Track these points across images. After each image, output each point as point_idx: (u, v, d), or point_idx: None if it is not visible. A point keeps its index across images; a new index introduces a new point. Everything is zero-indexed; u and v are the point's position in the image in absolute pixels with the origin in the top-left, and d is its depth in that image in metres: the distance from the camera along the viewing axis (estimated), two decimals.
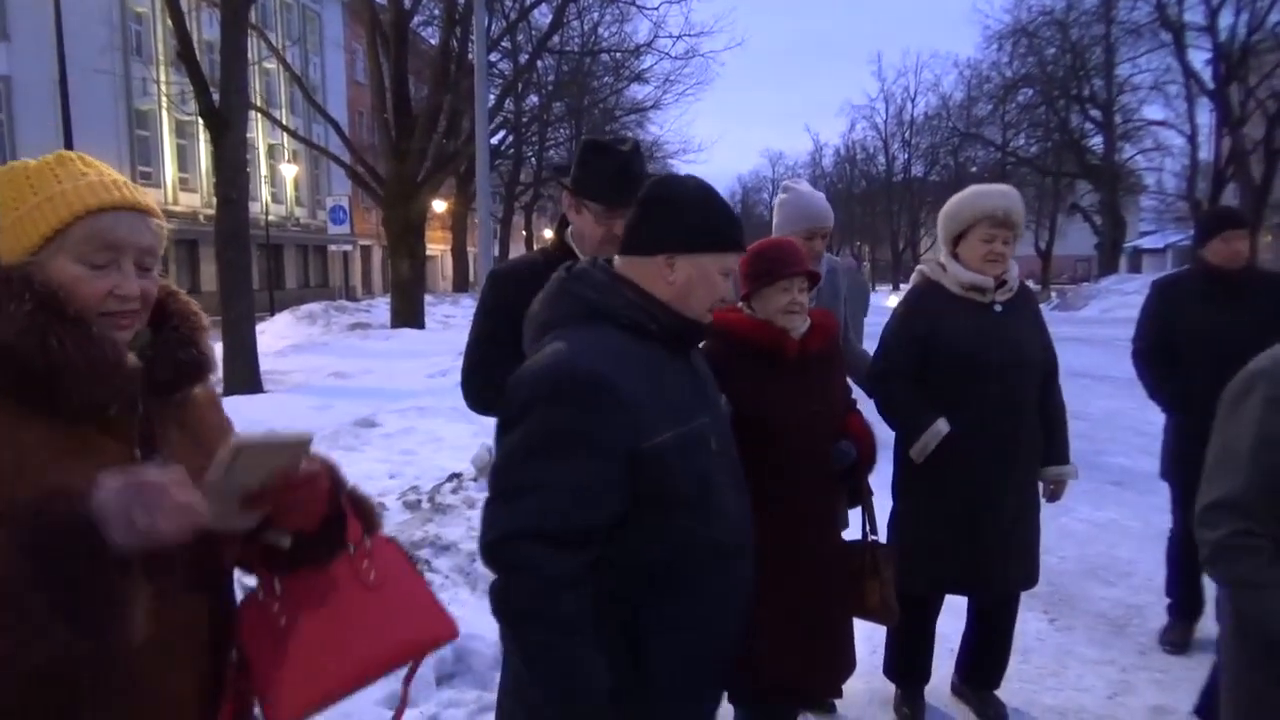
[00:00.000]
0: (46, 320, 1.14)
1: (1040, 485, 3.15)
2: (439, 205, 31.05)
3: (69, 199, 1.21)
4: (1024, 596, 4.33)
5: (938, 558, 2.99)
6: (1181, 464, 3.63)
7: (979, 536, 2.97)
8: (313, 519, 1.30)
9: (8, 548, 1.02)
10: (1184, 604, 3.89)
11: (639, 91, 32.21)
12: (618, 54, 29.44)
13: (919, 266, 3.25)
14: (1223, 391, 1.81)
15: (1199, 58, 31.26)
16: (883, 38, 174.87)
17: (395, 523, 4.31)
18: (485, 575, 4.09)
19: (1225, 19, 29.88)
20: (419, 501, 4.63)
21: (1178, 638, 3.82)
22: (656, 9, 26.10)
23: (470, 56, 17.72)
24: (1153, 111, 34.95)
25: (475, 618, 3.55)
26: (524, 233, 42.41)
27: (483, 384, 2.25)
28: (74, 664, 1.06)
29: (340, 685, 1.34)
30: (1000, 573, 3.06)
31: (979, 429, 2.91)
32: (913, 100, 57.95)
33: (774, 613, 2.23)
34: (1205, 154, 33.25)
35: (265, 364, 11.50)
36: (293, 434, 1.24)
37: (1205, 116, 32.46)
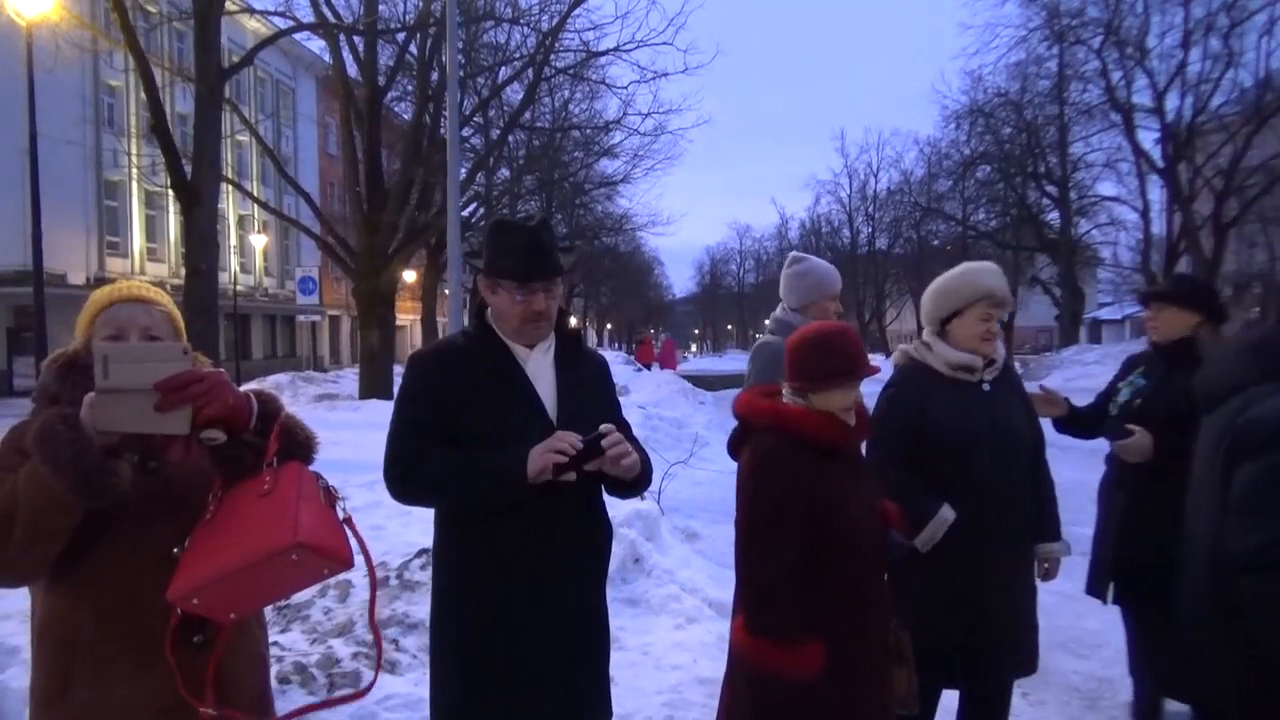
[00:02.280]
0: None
1: (1035, 564, 3.04)
2: (409, 276, 31.15)
3: (94, 299, 1.86)
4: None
5: (943, 647, 2.82)
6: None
7: (985, 622, 2.83)
8: (234, 416, 1.69)
9: (33, 451, 1.57)
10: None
11: (609, 166, 32.78)
12: (588, 130, 30.00)
13: (901, 347, 3.19)
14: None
15: (1148, 137, 32.51)
16: (845, 115, 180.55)
17: (361, 600, 4.23)
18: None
19: (1171, 102, 31.14)
20: (386, 578, 4.55)
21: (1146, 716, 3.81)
22: (625, 88, 26.85)
23: (443, 131, 17.98)
24: (1106, 188, 36.12)
25: None
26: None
27: (405, 473, 2.15)
28: (73, 516, 1.58)
29: (211, 573, 1.60)
30: (1006, 657, 2.92)
31: (976, 511, 2.80)
32: (875, 175, 59.18)
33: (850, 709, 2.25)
34: (1158, 228, 34.29)
35: None
36: (163, 344, 1.76)
37: (1156, 193, 33.57)
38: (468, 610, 2.15)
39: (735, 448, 2.47)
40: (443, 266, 26.48)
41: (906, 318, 59.08)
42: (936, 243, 49.09)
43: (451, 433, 2.15)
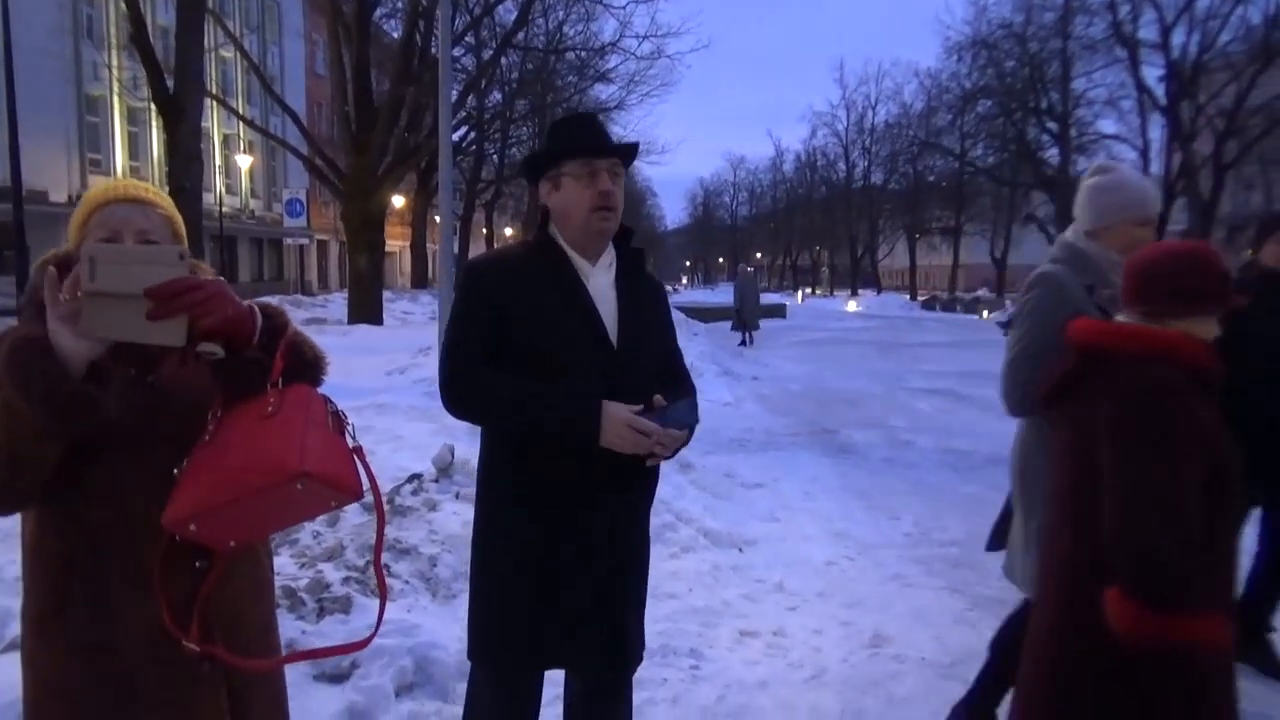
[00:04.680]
0: None
1: None
2: (398, 201, 30.68)
3: (88, 198, 1.69)
4: (995, 606, 4.36)
5: None
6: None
7: None
8: (234, 329, 1.56)
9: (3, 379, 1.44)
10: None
11: (603, 91, 32.09)
12: (583, 53, 29.30)
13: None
14: None
15: (1152, 74, 32.00)
16: (845, 45, 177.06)
17: (352, 525, 4.16)
18: (447, 581, 3.98)
19: (1178, 37, 30.63)
20: None
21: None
22: (623, 8, 26.02)
23: (434, 50, 17.46)
24: (1107, 126, 35.66)
25: (437, 625, 3.43)
26: (484, 230, 42.03)
27: (464, 393, 2.08)
28: (53, 441, 1.47)
29: (210, 498, 1.49)
30: None
31: None
32: (874, 108, 58.38)
33: None
34: (1156, 168, 34.00)
35: None
36: (156, 247, 1.59)
37: (1157, 132, 33.22)
38: (511, 532, 2.10)
39: (1058, 391, 2.03)
40: (433, 191, 26.02)
41: (899, 253, 58.77)
42: (932, 178, 48.62)
43: (506, 343, 2.06)
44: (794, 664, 3.70)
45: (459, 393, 2.09)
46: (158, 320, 1.46)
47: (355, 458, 1.63)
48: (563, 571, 2.07)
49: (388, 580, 3.61)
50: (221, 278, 1.62)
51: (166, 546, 1.57)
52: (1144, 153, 33.44)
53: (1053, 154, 37.13)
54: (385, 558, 3.81)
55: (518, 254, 2.18)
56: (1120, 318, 2.00)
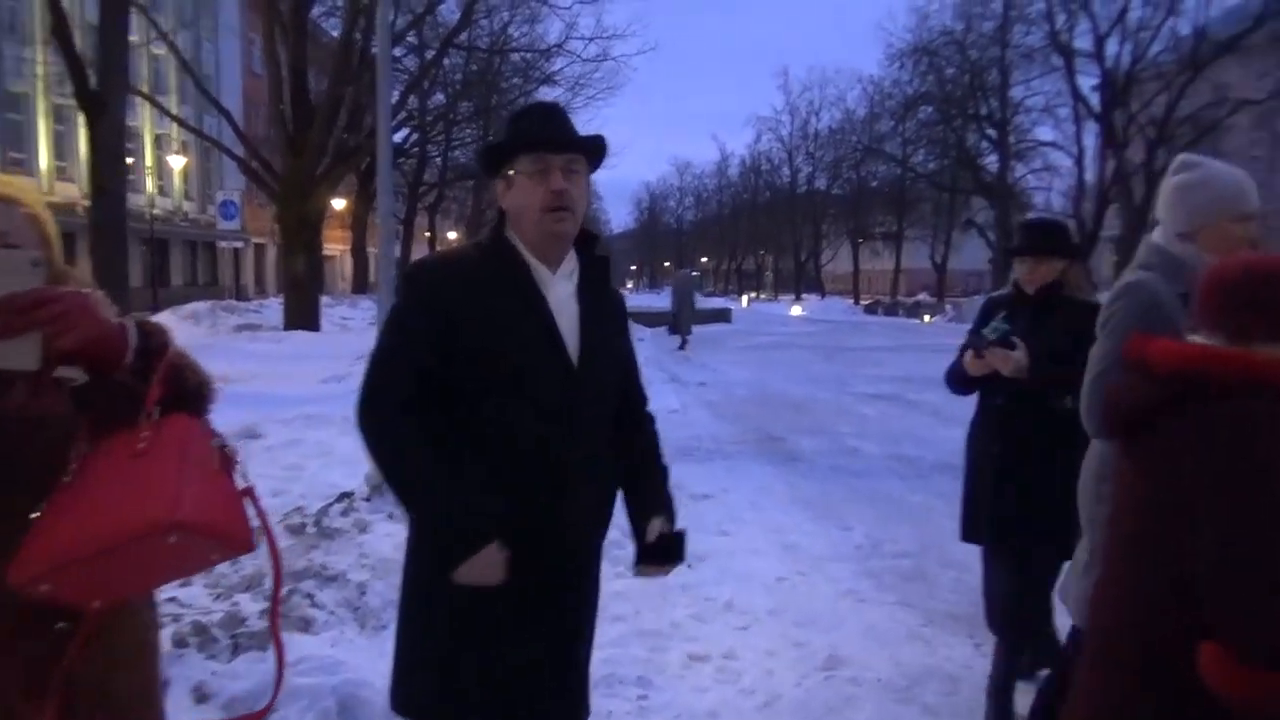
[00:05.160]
0: None
1: None
2: (338, 203, 30.05)
3: None
4: (948, 622, 4.25)
5: None
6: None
7: None
8: (100, 350, 1.33)
9: None
10: None
11: (549, 94, 31.73)
12: (528, 54, 28.99)
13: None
14: None
15: (1087, 83, 32.83)
16: (790, 51, 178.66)
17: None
18: (377, 610, 3.73)
19: (1111, 48, 31.51)
20: (304, 525, 4.19)
21: None
22: (569, 8, 25.79)
23: (374, 49, 17.06)
24: (1044, 133, 36.51)
25: (364, 661, 3.17)
26: (427, 234, 41.39)
27: (391, 410, 1.83)
28: None
29: (63, 552, 1.28)
30: None
31: None
32: (817, 114, 58.85)
33: None
34: (1090, 175, 34.84)
35: None
36: (3, 252, 1.33)
37: (1091, 139, 34.05)
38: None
39: (1145, 416, 1.72)
40: (373, 194, 25.48)
41: (843, 258, 59.38)
42: (875, 184, 49.24)
43: (454, 352, 1.83)
44: (746, 690, 3.53)
45: (367, 425, 1.86)
46: (4, 339, 1.26)
47: (245, 501, 1.42)
48: (508, 617, 1.85)
49: (311, 612, 3.37)
50: (91, 289, 1.39)
51: (19, 605, 1.34)
52: (1079, 159, 34.27)
53: (992, 160, 37.85)
54: (310, 585, 3.55)
55: (469, 256, 1.96)
56: (1197, 339, 1.71)
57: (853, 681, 3.59)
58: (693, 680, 3.58)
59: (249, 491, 1.43)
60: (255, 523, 1.45)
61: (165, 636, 2.81)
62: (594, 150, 1.96)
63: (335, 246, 39.32)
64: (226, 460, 1.45)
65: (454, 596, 1.81)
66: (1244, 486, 1.53)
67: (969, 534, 3.37)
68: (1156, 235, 2.49)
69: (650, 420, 2.19)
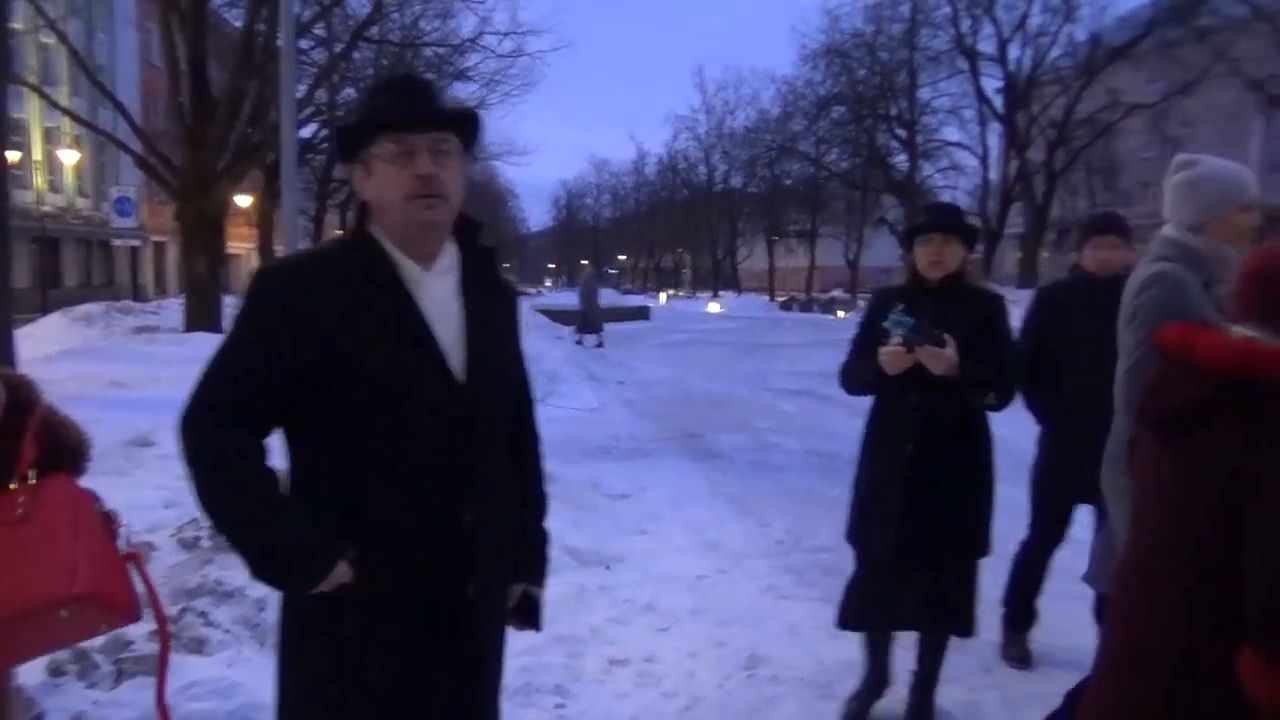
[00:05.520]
0: None
1: None
2: (244, 200, 29.04)
3: None
4: None
5: None
6: (1050, 474, 3.70)
7: None
8: None
9: None
10: (1018, 616, 3.85)
11: (462, 90, 31.23)
12: (441, 49, 28.45)
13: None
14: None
15: (991, 85, 33.99)
16: (706, 52, 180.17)
17: (168, 565, 3.64)
18: (274, 628, 3.53)
19: (1014, 52, 32.71)
20: (198, 539, 3.94)
21: (1018, 652, 3.77)
22: (482, 3, 25.40)
23: (278, 41, 16.48)
24: (951, 133, 37.63)
25: (264, 683, 2.98)
26: (338, 232, 40.30)
27: (215, 427, 1.56)
28: None
29: None
30: None
31: None
32: (732, 114, 59.34)
33: None
34: (995, 174, 36.01)
35: (31, 371, 10.06)
36: None
37: (995, 140, 35.23)
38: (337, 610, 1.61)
39: (1183, 412, 1.64)
40: (280, 191, 24.69)
41: (759, 255, 60.10)
42: (789, 183, 49.90)
43: (303, 372, 1.56)
44: (667, 693, 3.45)
45: (185, 443, 1.57)
46: None
47: (129, 568, 1.29)
48: (412, 637, 1.64)
49: (204, 631, 3.16)
50: (19, 377, 1.26)
51: None
52: (984, 159, 35.46)
53: (902, 160, 38.80)
54: (203, 603, 3.32)
55: (328, 255, 1.71)
56: (1240, 330, 1.64)
57: (774, 680, 3.55)
58: (612, 686, 3.49)
59: (133, 557, 1.31)
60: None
61: (38, 666, 2.59)
62: (465, 127, 1.70)
63: (241, 245, 37.98)
64: (109, 524, 1.35)
65: (338, 632, 1.62)
66: None
67: (858, 536, 3.24)
68: (1169, 230, 2.55)
69: (538, 459, 1.95)
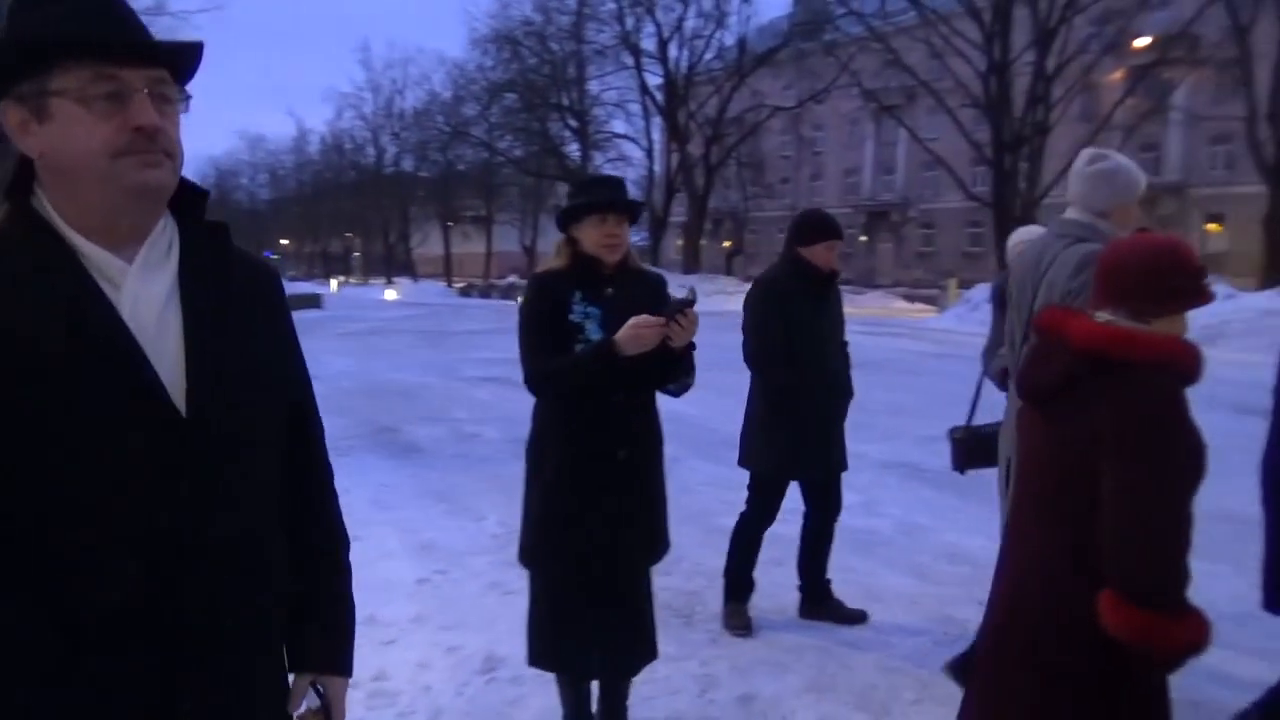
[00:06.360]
0: None
1: None
2: None
3: None
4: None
5: None
6: (765, 449, 3.95)
7: None
8: None
9: None
10: (737, 585, 4.08)
11: None
12: None
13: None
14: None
15: (654, 81, 36.00)
16: (370, 26, 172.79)
17: None
18: None
19: (673, 51, 34.82)
20: None
21: (740, 622, 3.98)
22: None
23: None
24: (619, 125, 39.36)
25: None
26: None
27: None
28: None
29: None
30: None
31: None
32: (401, 94, 57.47)
33: None
34: (659, 166, 38.24)
35: None
36: None
37: (659, 134, 37.41)
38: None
39: (1054, 385, 1.91)
40: None
41: (434, 241, 58.96)
42: (463, 168, 49.47)
43: None
44: (404, 712, 3.24)
45: None
46: None
47: None
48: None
49: None
50: None
51: None
52: (649, 152, 37.47)
53: (574, 149, 39.93)
54: None
55: None
56: (1102, 315, 1.89)
57: (516, 680, 3.46)
58: None
59: None
60: None
61: None
62: (183, 66, 1.21)
63: None
64: None
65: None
66: (1152, 454, 1.74)
67: (544, 552, 2.98)
68: (1076, 213, 2.91)
69: (328, 495, 1.48)
